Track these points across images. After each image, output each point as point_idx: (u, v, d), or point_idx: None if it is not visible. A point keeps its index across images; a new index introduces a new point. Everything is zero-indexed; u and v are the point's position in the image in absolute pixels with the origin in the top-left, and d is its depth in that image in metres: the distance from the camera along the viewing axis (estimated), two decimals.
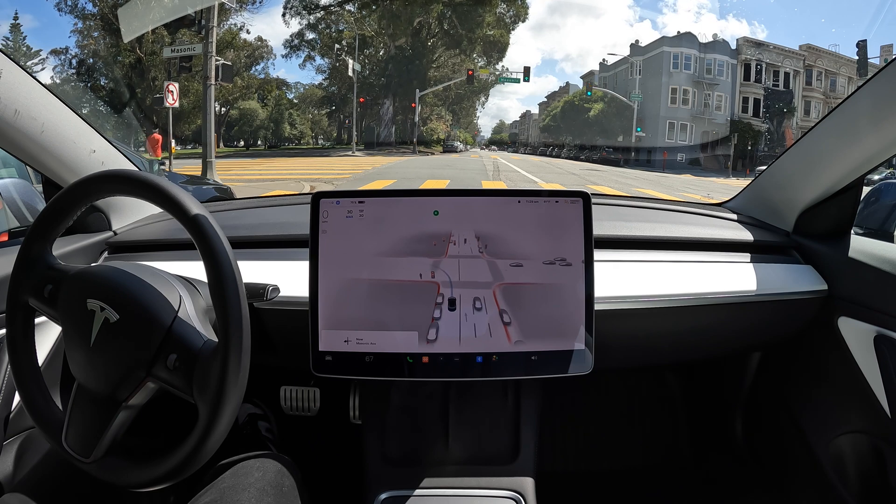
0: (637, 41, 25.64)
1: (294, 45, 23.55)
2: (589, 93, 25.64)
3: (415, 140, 24.20)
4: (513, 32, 25.09)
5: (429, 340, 0.71)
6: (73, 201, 0.61)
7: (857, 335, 0.82)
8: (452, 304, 0.71)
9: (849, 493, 0.84)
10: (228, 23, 21.24)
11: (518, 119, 32.84)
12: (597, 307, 0.72)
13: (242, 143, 23.14)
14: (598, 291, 0.72)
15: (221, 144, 22.29)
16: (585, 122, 25.52)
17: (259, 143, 23.26)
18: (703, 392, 1.26)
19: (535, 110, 31.36)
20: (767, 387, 1.06)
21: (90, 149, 0.86)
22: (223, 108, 22.40)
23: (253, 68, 22.92)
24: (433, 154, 24.24)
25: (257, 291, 0.70)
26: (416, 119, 24.27)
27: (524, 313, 0.72)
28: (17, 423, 0.77)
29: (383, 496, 0.78)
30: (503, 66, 25.44)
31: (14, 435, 0.78)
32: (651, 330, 0.86)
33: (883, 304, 0.78)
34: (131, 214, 0.99)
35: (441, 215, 0.72)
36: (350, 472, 0.86)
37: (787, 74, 21.77)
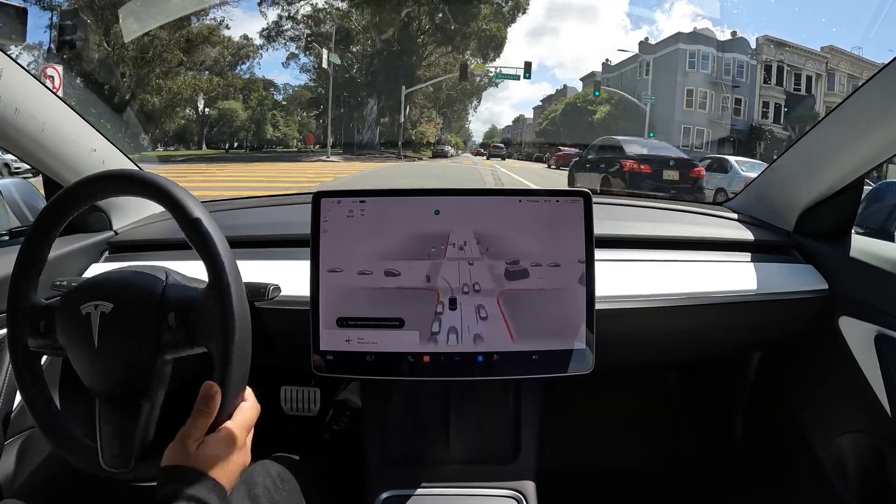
0: (647, 38, 23.73)
1: (270, 35, 21.89)
2: (597, 93, 23.31)
3: (400, 143, 21.91)
4: (509, 29, 23.22)
5: (430, 340, 0.71)
6: (73, 203, 0.60)
7: (858, 335, 0.82)
8: (453, 303, 0.71)
9: (849, 493, 0.84)
10: (208, 18, 20.18)
11: (511, 124, 31.89)
12: (598, 307, 0.72)
13: (232, 144, 21.80)
14: (599, 291, 0.72)
15: (204, 146, 21.34)
16: (589, 125, 22.87)
17: (238, 145, 21.73)
18: (704, 392, 1.26)
19: (528, 114, 30.34)
20: (768, 386, 1.06)
21: (90, 147, 0.86)
22: (205, 108, 21.53)
23: (238, 67, 21.92)
24: (421, 160, 21.72)
25: (258, 291, 0.70)
26: (402, 119, 22.16)
27: (525, 313, 0.72)
28: (17, 424, 0.77)
29: (384, 495, 0.78)
30: (497, 68, 23.67)
31: (14, 435, 0.78)
32: (652, 329, 0.86)
33: (884, 303, 0.78)
34: (132, 214, 0.99)
35: (442, 215, 0.72)
36: (351, 472, 0.86)
37: (808, 78, 19.95)
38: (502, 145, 25.90)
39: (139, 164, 0.96)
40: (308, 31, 21.85)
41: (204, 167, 15.01)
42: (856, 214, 0.91)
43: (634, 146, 8.39)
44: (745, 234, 0.95)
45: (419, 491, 0.78)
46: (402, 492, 0.78)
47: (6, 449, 0.76)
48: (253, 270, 0.77)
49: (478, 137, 29.13)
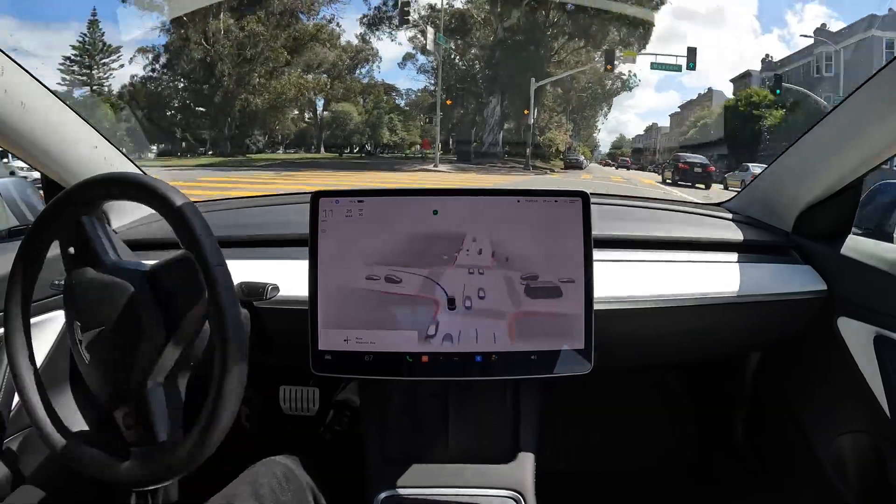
0: (824, 24, 18.41)
1: (372, 23, 19.21)
2: (778, 91, 17.00)
3: (528, 151, 17.26)
4: (655, 14, 18.67)
5: (428, 340, 0.71)
6: (74, 205, 0.60)
7: (857, 335, 0.82)
8: (452, 303, 0.71)
9: (850, 493, 0.84)
10: (318, 17, 18.83)
11: (642, 133, 28.39)
12: (596, 307, 0.72)
13: (348, 148, 20.07)
14: (598, 291, 0.72)
15: (322, 149, 20.22)
16: (756, 134, 17.78)
17: (355, 149, 20.15)
18: (703, 392, 1.26)
19: (662, 123, 26.59)
20: (768, 387, 1.06)
21: (91, 146, 0.86)
22: (323, 111, 20.19)
23: (357, 71, 20.42)
24: (552, 171, 17.45)
25: (257, 290, 0.70)
26: (531, 120, 17.47)
27: (524, 314, 0.71)
28: (16, 423, 0.77)
29: (383, 495, 0.78)
30: (630, 71, 19.20)
31: (14, 434, 0.78)
32: (650, 330, 0.86)
33: (882, 304, 0.78)
34: (131, 213, 0.99)
35: (440, 215, 0.72)
36: (350, 472, 0.86)
37: None
38: (627, 158, 25.84)
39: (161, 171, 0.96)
40: (404, 1, 17.67)
41: (227, 176, 12.23)
42: (854, 215, 0.90)
43: (685, 157, 15.59)
44: (744, 235, 0.95)
45: (418, 490, 0.78)
46: (401, 491, 0.78)
47: (5, 447, 0.76)
48: (251, 270, 0.77)
49: (604, 147, 26.64)
